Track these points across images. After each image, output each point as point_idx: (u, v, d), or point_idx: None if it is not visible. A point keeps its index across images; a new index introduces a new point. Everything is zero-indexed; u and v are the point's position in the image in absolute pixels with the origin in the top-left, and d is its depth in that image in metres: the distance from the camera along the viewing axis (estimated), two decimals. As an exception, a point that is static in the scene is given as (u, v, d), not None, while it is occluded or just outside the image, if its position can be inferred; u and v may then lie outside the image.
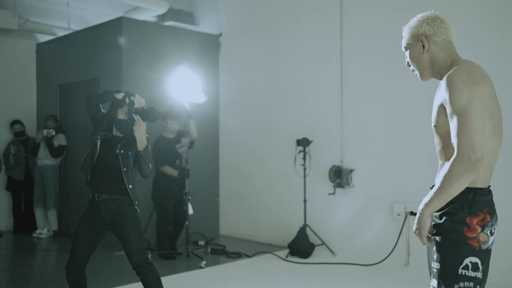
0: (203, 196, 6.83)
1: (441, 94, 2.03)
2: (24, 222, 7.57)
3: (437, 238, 2.02)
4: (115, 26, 6.51)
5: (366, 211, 5.80)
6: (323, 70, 6.26)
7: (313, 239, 6.03)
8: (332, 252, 5.94)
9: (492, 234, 1.99)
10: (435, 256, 2.03)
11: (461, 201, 1.97)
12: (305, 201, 6.09)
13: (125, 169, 3.55)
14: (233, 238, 7.15)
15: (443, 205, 1.98)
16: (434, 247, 2.04)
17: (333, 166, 6.00)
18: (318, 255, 5.93)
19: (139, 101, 3.58)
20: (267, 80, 6.91)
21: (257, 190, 7.00)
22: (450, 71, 2.03)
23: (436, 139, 2.15)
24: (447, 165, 1.93)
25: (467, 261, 1.96)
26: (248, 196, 7.12)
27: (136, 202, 3.60)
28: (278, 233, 6.60)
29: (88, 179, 3.60)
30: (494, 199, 2.07)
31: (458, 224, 1.97)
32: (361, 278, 5.15)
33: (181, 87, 5.68)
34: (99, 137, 3.57)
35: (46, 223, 7.36)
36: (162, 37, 6.88)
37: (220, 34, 7.53)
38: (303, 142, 6.09)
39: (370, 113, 5.79)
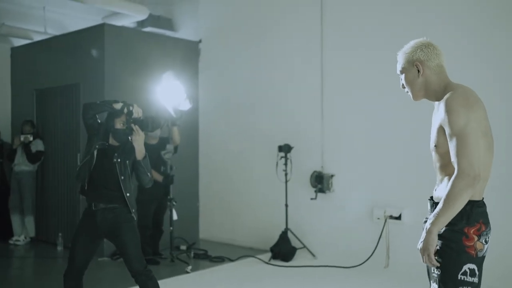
0: (183, 200, 6.86)
1: (440, 116, 2.23)
2: (-1, 228, 7.44)
3: (438, 246, 2.19)
4: (97, 32, 6.51)
5: (347, 215, 6.00)
6: (303, 77, 6.44)
7: (294, 242, 6.19)
8: (313, 255, 6.11)
9: (486, 242, 2.20)
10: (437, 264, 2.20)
11: (460, 212, 2.15)
12: (286, 205, 6.25)
13: (122, 177, 3.59)
14: (213, 242, 7.23)
15: (449, 219, 2.15)
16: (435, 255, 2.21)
17: (314, 171, 6.18)
18: (300, 258, 6.08)
19: (137, 111, 3.64)
20: (247, 86, 7.04)
21: (238, 195, 7.11)
22: (447, 95, 2.23)
23: (435, 157, 2.34)
24: (449, 184, 2.12)
25: (465, 267, 2.14)
26: (229, 201, 7.23)
27: (133, 210, 3.66)
28: (259, 237, 6.73)
29: (85, 188, 3.63)
30: (488, 210, 2.27)
31: (457, 234, 2.16)
32: (342, 280, 5.33)
33: (167, 94, 5.74)
34: (96, 146, 3.60)
35: (23, 230, 7.26)
36: (144, 43, 6.91)
37: (200, 41, 7.62)
38: (285, 148, 6.24)
39: (350, 120, 6.00)
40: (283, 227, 6.26)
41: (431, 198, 2.36)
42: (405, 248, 5.43)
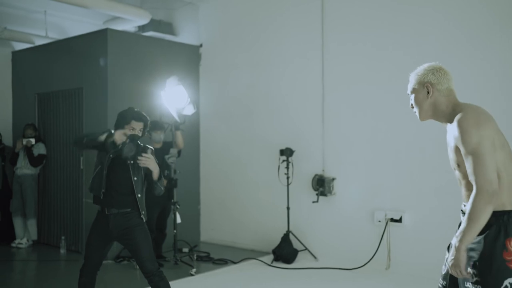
0: (184, 203, 6.92)
1: (454, 136, 2.34)
2: (1, 232, 7.47)
3: (477, 262, 2.24)
4: (100, 36, 6.57)
5: (348, 218, 6.10)
6: (304, 81, 6.53)
7: (296, 245, 6.28)
8: (315, 257, 6.21)
9: None
10: (473, 279, 2.24)
11: (498, 223, 2.24)
12: (288, 208, 6.34)
13: (135, 178, 3.72)
14: (215, 244, 7.31)
15: (475, 235, 2.23)
16: (472, 269, 2.25)
17: (316, 175, 6.28)
18: (302, 260, 6.18)
19: (119, 138, 3.66)
20: (248, 90, 7.12)
21: (240, 198, 7.19)
22: (459, 116, 2.33)
23: (459, 175, 2.42)
24: (469, 202, 2.22)
25: (506, 282, 2.18)
26: (230, 204, 7.31)
27: (143, 212, 3.76)
28: (261, 239, 6.82)
29: (101, 197, 3.72)
30: None
31: (497, 248, 2.21)
32: (343, 281, 5.43)
33: (171, 99, 5.82)
34: (111, 156, 3.70)
35: (25, 233, 7.30)
36: (146, 48, 6.99)
37: (201, 45, 7.70)
38: (287, 152, 6.33)
39: (351, 124, 6.10)
40: (285, 230, 6.35)
41: (463, 211, 2.41)
42: (406, 250, 5.56)
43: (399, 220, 5.63)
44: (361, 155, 6.00)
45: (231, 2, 7.43)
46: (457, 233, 2.27)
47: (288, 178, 6.34)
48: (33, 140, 7.11)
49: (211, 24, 7.68)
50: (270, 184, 6.69)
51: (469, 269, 2.27)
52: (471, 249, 2.28)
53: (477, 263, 2.25)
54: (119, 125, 3.76)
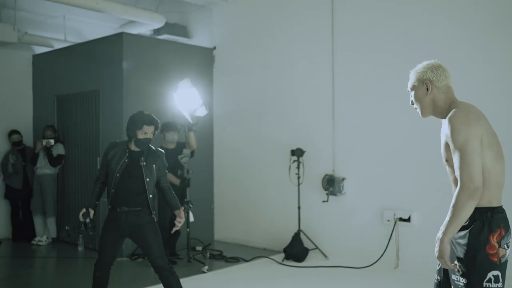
0: (198, 203, 7.07)
1: (444, 133, 2.44)
2: (22, 230, 7.73)
3: (462, 255, 2.34)
4: (116, 40, 6.77)
5: (358, 217, 6.18)
6: (315, 83, 6.63)
7: (307, 243, 6.39)
8: (325, 256, 6.30)
9: (508, 247, 2.36)
10: (460, 272, 2.35)
11: (482, 219, 2.33)
12: (299, 208, 6.45)
13: (148, 179, 3.89)
14: (228, 243, 7.46)
15: (459, 229, 2.34)
16: (458, 262, 2.35)
17: (326, 175, 6.37)
18: (312, 258, 6.28)
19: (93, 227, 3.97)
20: (260, 92, 7.25)
21: (252, 198, 7.32)
22: (450, 114, 2.43)
23: (449, 170, 2.53)
24: (454, 196, 2.32)
25: (490, 275, 2.29)
26: (243, 204, 7.44)
27: (154, 212, 3.92)
28: (273, 238, 6.94)
29: (113, 197, 3.92)
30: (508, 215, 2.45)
31: (482, 243, 2.31)
32: (353, 280, 5.52)
33: (184, 100, 5.97)
34: (126, 160, 3.93)
35: (45, 231, 7.54)
36: (160, 50, 7.16)
37: (214, 48, 7.85)
38: (297, 152, 6.44)
39: (361, 125, 6.18)
40: (295, 229, 6.46)
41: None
42: (414, 249, 5.62)
43: (408, 220, 5.70)
44: (371, 155, 6.08)
45: (243, 6, 7.56)
46: (441, 226, 2.37)
47: (299, 178, 6.45)
48: (52, 141, 7.34)
49: (224, 27, 7.82)
50: (281, 184, 6.80)
51: (456, 262, 2.37)
52: (457, 243, 2.38)
53: (463, 257, 2.34)
54: (130, 130, 3.93)
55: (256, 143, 7.27)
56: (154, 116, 4.01)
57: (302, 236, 6.41)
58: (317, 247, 6.38)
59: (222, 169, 7.75)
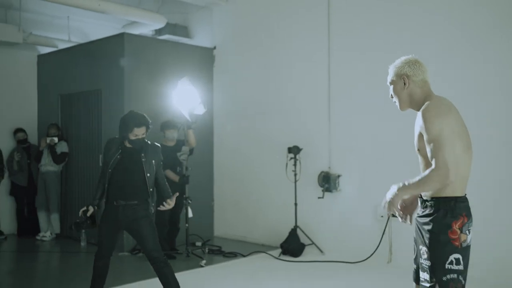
0: (198, 200, 7.23)
1: (419, 124, 2.59)
2: (27, 225, 7.92)
3: (427, 240, 2.53)
4: (117, 40, 6.94)
5: (352, 213, 6.31)
6: (312, 82, 6.77)
7: (303, 239, 6.53)
8: (321, 251, 6.44)
9: (469, 232, 2.53)
10: (426, 255, 2.53)
11: (445, 207, 2.51)
12: (295, 204, 6.59)
13: (148, 174, 4.04)
14: (227, 239, 7.61)
15: (413, 194, 2.57)
16: (424, 247, 2.54)
17: (322, 172, 6.51)
18: (308, 254, 6.42)
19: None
20: (259, 91, 7.39)
21: (251, 195, 7.47)
22: (423, 107, 2.59)
23: (420, 159, 2.69)
24: (427, 171, 2.47)
25: (451, 257, 2.47)
26: (242, 201, 7.59)
27: (153, 204, 4.09)
28: (270, 234, 7.08)
29: (108, 189, 4.07)
30: (471, 204, 2.60)
31: (444, 228, 2.49)
32: (348, 274, 5.65)
33: (182, 99, 6.12)
34: (118, 156, 4.06)
35: (49, 226, 7.72)
36: (161, 50, 7.32)
37: (214, 47, 8.00)
38: (294, 150, 6.58)
39: (356, 123, 6.31)
40: (292, 225, 6.60)
41: (420, 196, 2.68)
42: (407, 244, 5.66)
43: (401, 216, 5.81)
44: (365, 153, 6.20)
45: (243, 6, 7.71)
46: (406, 182, 2.53)
47: (295, 175, 6.59)
48: (56, 139, 7.52)
49: (224, 27, 7.97)
50: (278, 181, 6.94)
51: (421, 247, 2.56)
52: (423, 229, 2.57)
53: (428, 242, 2.52)
54: (122, 131, 4.06)
55: (255, 141, 7.41)
56: (145, 116, 4.09)
57: (298, 231, 6.55)
58: (313, 243, 6.51)
59: (222, 167, 7.90)
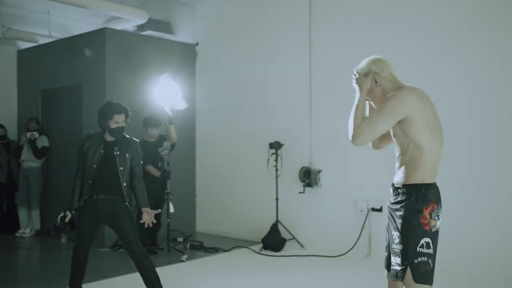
0: (180, 195, 7.24)
1: None
2: (6, 222, 7.83)
3: (399, 226, 2.61)
4: (99, 36, 6.90)
5: (332, 208, 6.39)
6: (293, 78, 6.82)
7: (284, 234, 6.58)
8: (302, 246, 6.50)
9: (438, 218, 2.63)
10: (398, 240, 2.62)
11: (417, 194, 2.60)
12: (277, 199, 6.64)
13: (121, 168, 4.03)
14: (209, 235, 7.62)
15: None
16: (396, 232, 2.63)
17: (303, 167, 6.57)
18: (289, 248, 6.48)
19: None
20: (241, 87, 7.43)
21: (232, 190, 7.50)
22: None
23: (396, 147, 2.77)
24: (363, 123, 2.67)
25: (422, 241, 2.57)
26: (224, 196, 7.62)
27: (128, 200, 4.07)
28: (252, 229, 7.12)
29: (91, 185, 4.05)
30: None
31: (415, 213, 2.59)
32: (328, 268, 5.72)
33: (164, 95, 6.13)
34: (102, 151, 4.05)
35: (29, 223, 7.65)
36: (143, 46, 7.30)
37: (197, 44, 8.01)
38: (275, 145, 6.62)
39: (337, 118, 6.35)
40: (273, 220, 6.65)
41: (393, 184, 2.76)
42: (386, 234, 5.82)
43: (380, 210, 5.91)
44: (346, 148, 6.24)
45: (226, 3, 7.72)
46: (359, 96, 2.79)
47: (277, 170, 6.64)
48: (36, 134, 7.44)
49: (206, 24, 7.98)
50: (260, 176, 6.98)
51: (393, 232, 2.66)
52: (395, 215, 2.66)
53: (400, 227, 2.61)
54: (102, 122, 4.07)
55: (237, 137, 7.44)
56: (123, 104, 4.12)
57: (279, 226, 6.60)
58: (294, 237, 6.57)
59: (203, 162, 7.92)
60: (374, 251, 5.83)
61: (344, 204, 6.26)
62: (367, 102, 2.84)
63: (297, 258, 6.12)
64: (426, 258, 2.56)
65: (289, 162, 6.68)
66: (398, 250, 2.61)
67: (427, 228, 2.56)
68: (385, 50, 5.83)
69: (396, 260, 2.63)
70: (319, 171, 6.48)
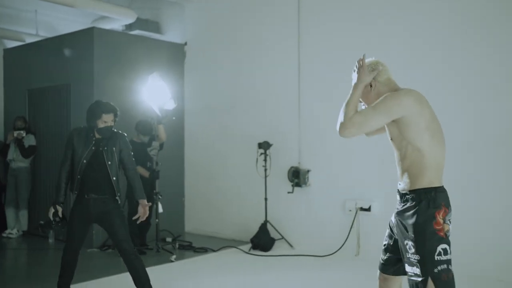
0: (169, 196, 7.23)
1: None
2: (-8, 222, 7.76)
3: (412, 234, 2.49)
4: (87, 35, 6.86)
5: (321, 208, 6.41)
6: (282, 78, 6.84)
7: (273, 234, 6.60)
8: (291, 245, 6.52)
9: (450, 222, 2.54)
10: (413, 250, 2.49)
11: (427, 198, 2.50)
12: (266, 199, 6.65)
13: (109, 162, 4.03)
14: (198, 235, 7.61)
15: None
16: (410, 241, 2.51)
17: (292, 167, 6.59)
18: (278, 248, 6.50)
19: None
20: (229, 86, 7.43)
21: (221, 190, 7.50)
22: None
23: (395, 152, 2.70)
24: (356, 115, 2.61)
25: (439, 248, 2.45)
26: (213, 196, 7.62)
27: (118, 194, 4.06)
28: (241, 229, 7.13)
29: (77, 183, 4.03)
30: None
31: (428, 220, 2.47)
32: (317, 267, 5.74)
33: (153, 94, 6.11)
34: (93, 148, 4.03)
35: (16, 223, 7.58)
36: (131, 46, 7.27)
37: (185, 43, 8.00)
38: (264, 145, 6.64)
39: (325, 119, 6.38)
40: (262, 220, 6.67)
41: (398, 191, 2.68)
42: (374, 237, 5.83)
43: (368, 209, 5.95)
44: (335, 148, 6.30)
45: (215, 2, 7.72)
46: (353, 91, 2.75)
47: (265, 170, 6.65)
48: (23, 132, 7.37)
49: (195, 23, 7.97)
50: (249, 176, 6.99)
51: (406, 241, 2.54)
52: (406, 224, 2.55)
53: (413, 235, 2.50)
54: (91, 121, 4.05)
55: (226, 136, 7.45)
56: (112, 104, 4.11)
57: (268, 226, 6.61)
58: (283, 237, 6.59)
59: (192, 162, 7.91)
60: (363, 250, 5.87)
61: (332, 204, 6.30)
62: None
63: (286, 257, 6.13)
64: (445, 266, 2.45)
65: (278, 162, 6.70)
66: (415, 260, 2.48)
67: (442, 234, 2.46)
68: (378, 47, 5.89)
69: (414, 271, 2.50)
70: (308, 171, 6.51)
